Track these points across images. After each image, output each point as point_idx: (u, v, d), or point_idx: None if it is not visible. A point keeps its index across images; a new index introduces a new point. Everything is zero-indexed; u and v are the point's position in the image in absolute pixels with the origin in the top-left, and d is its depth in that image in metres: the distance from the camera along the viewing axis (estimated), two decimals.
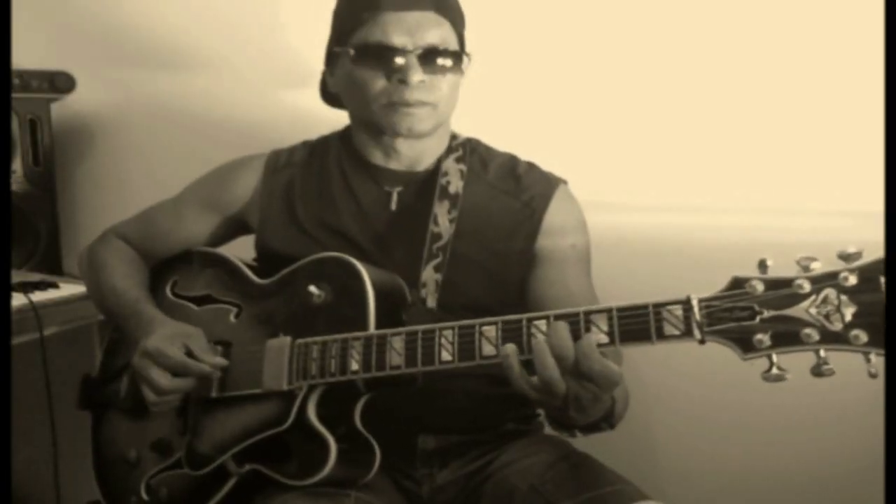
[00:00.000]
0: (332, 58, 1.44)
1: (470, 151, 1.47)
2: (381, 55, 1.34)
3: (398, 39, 1.32)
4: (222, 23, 2.23)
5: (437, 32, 1.34)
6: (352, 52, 1.36)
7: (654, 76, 1.80)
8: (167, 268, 1.55)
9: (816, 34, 1.67)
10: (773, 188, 1.74)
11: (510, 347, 1.06)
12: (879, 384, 0.92)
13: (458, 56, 1.37)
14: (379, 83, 1.35)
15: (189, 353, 1.32)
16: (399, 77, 1.33)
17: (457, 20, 1.39)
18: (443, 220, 1.40)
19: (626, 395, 1.22)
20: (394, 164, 1.44)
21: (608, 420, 1.16)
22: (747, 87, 1.73)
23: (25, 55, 2.22)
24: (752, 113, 1.73)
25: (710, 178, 1.79)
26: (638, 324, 1.01)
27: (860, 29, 1.57)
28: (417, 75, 1.32)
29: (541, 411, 1.49)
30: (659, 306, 1.01)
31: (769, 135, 1.73)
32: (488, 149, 1.50)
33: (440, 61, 1.35)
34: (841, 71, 1.65)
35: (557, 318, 1.06)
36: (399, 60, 1.33)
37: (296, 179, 1.48)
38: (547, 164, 1.49)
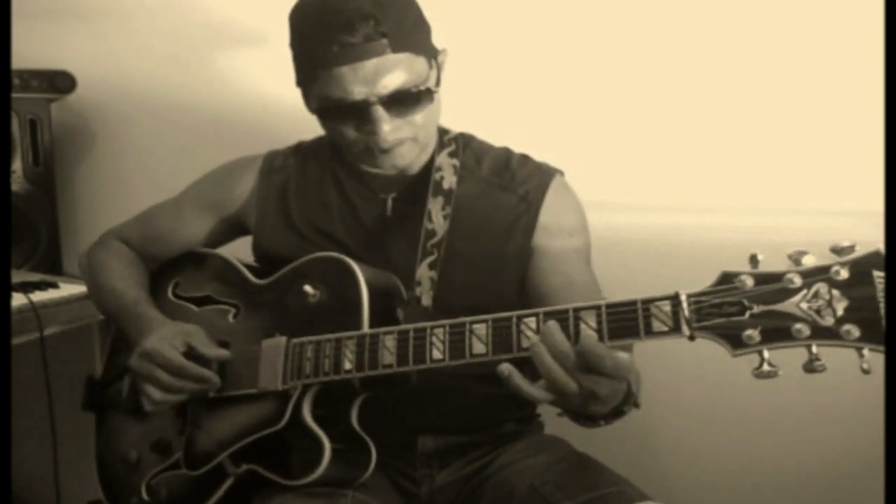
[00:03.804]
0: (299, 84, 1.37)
1: (463, 147, 1.45)
2: (345, 110, 1.28)
3: (358, 93, 1.25)
4: (222, 23, 2.23)
5: (398, 76, 1.25)
6: (314, 105, 1.33)
7: (651, 76, 1.80)
8: (171, 269, 1.55)
9: (816, 34, 1.67)
10: (772, 188, 1.74)
11: (507, 368, 1.02)
12: (879, 381, 0.91)
13: (427, 91, 1.30)
14: (350, 133, 1.31)
15: (189, 353, 1.32)
16: (368, 129, 1.29)
17: (418, 43, 1.30)
18: (437, 216, 1.39)
19: (637, 373, 1.17)
20: (386, 170, 1.40)
21: (630, 401, 1.12)
22: (746, 87, 1.73)
23: (25, 55, 2.22)
24: (750, 113, 1.73)
25: (708, 178, 1.79)
26: (626, 320, 1.00)
27: (860, 29, 1.57)
28: (386, 125, 1.27)
29: (540, 411, 1.49)
30: (647, 302, 0.99)
31: (768, 134, 1.73)
32: (482, 144, 1.49)
33: (409, 102, 1.28)
34: (840, 70, 1.65)
35: (547, 315, 1.05)
36: (363, 113, 1.27)
37: (291, 182, 1.48)
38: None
